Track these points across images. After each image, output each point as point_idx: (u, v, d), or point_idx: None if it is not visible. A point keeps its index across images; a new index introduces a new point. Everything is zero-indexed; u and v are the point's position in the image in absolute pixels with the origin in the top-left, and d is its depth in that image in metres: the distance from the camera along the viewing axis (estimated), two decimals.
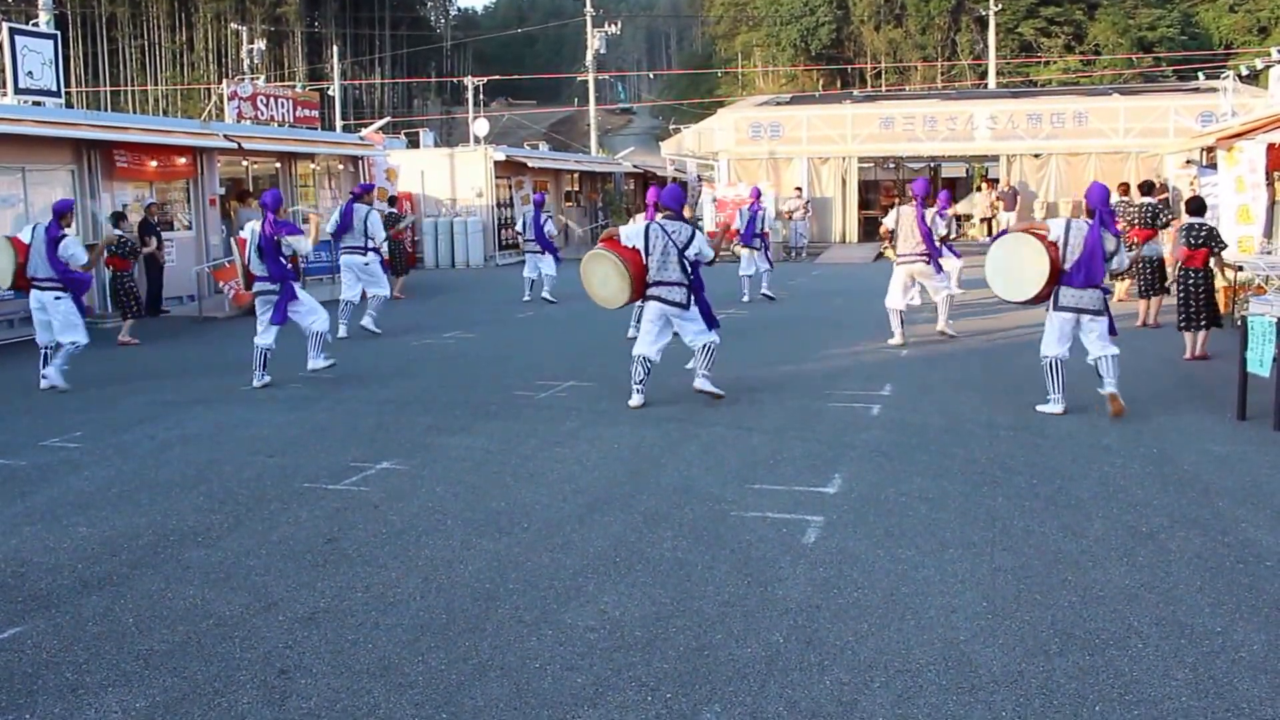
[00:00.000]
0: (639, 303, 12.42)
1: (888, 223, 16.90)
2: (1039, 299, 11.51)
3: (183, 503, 8.53)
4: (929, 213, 16.39)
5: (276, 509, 8.32)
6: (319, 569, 6.94)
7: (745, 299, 22.81)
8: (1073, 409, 11.42)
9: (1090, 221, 11.28)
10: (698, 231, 12.10)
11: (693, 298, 11.97)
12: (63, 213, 14.22)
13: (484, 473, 9.29)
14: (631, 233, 12.09)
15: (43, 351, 14.12)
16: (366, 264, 18.84)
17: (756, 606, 6.18)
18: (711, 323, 12.14)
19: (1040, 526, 7.54)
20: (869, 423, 11.04)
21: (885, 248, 20.18)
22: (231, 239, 14.56)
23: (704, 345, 12.08)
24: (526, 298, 23.86)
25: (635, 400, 12.09)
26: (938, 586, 6.43)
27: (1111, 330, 11.45)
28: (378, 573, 6.85)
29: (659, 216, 12.33)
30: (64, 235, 14.18)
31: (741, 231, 22.87)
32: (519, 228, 25.25)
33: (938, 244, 16.84)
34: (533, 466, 9.46)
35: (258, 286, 13.75)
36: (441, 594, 6.47)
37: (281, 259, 13.56)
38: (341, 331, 18.43)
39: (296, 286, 13.91)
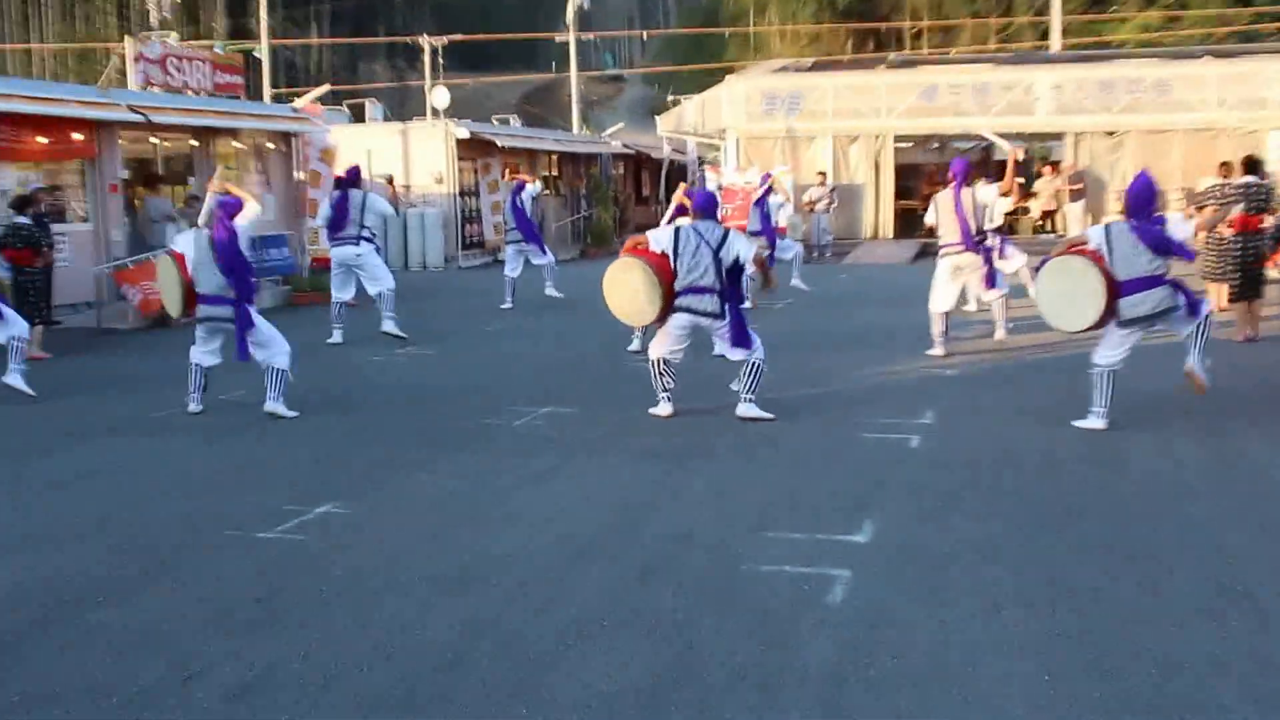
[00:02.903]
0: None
1: (929, 219, 17.00)
2: (1102, 322, 11.92)
3: (84, 554, 8.57)
4: (968, 192, 16.39)
5: (197, 561, 8.35)
6: (248, 634, 6.98)
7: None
8: (1151, 436, 11.52)
9: (1133, 222, 11.76)
10: (733, 231, 12.75)
11: (727, 306, 12.52)
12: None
13: (447, 517, 9.34)
14: (660, 236, 12.78)
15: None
16: (359, 255, 19.65)
17: (773, 676, 6.24)
18: (744, 339, 12.60)
19: (1111, 582, 7.59)
20: (907, 457, 11.12)
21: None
22: (165, 253, 14.42)
23: (750, 363, 12.64)
24: (508, 304, 24.07)
25: (664, 410, 12.85)
26: (989, 653, 6.49)
27: (1192, 309, 11.88)
28: (319, 638, 6.89)
29: (691, 220, 12.99)
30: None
31: (761, 228, 23.01)
32: (503, 218, 25.39)
33: (988, 231, 16.96)
34: (505, 509, 9.52)
35: (203, 311, 13.49)
36: (396, 663, 6.52)
37: (245, 261, 13.40)
38: (336, 337, 19.41)
39: (253, 311, 13.56)
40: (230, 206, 13.38)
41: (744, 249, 12.61)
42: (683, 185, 18.93)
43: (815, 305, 23.68)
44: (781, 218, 25.48)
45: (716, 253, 12.42)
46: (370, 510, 9.57)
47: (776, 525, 8.96)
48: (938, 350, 16.58)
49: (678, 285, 12.55)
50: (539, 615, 7.18)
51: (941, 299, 16.61)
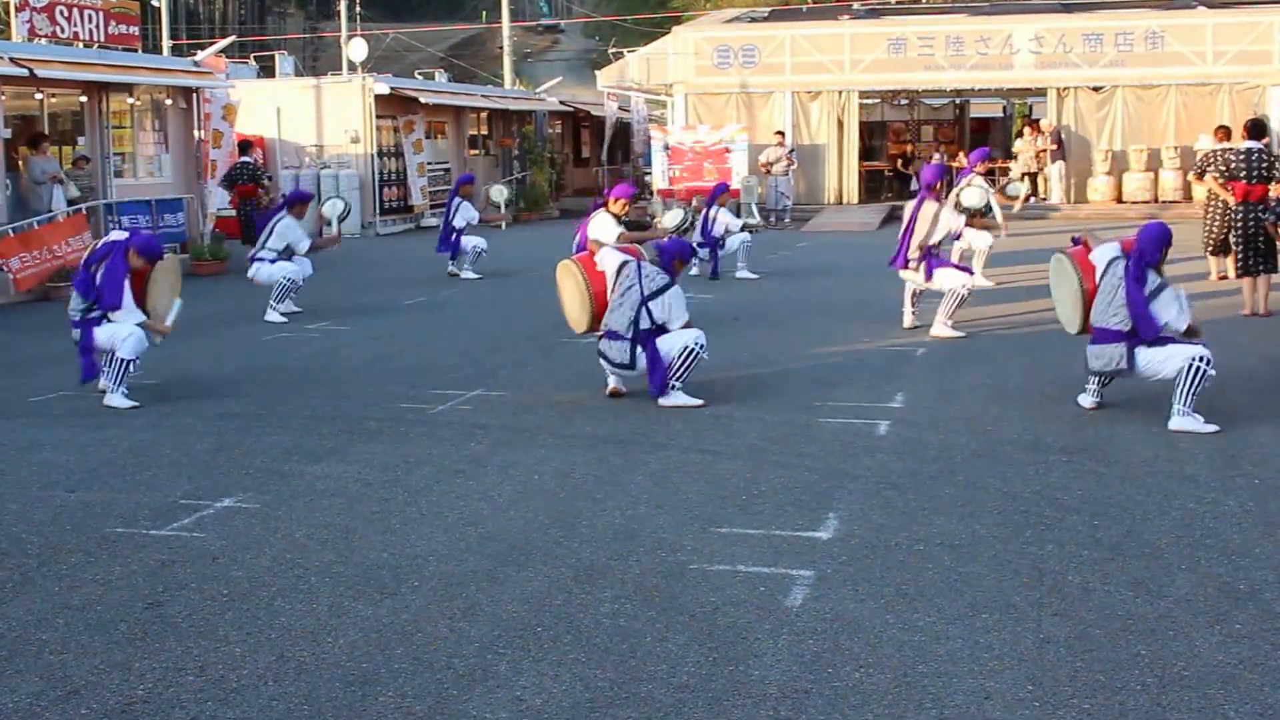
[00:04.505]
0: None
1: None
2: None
3: None
4: (930, 206, 16.22)
5: (79, 562, 8.22)
6: (136, 644, 6.86)
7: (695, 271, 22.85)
8: (1145, 420, 11.52)
9: (1129, 264, 11.44)
10: (675, 288, 12.58)
11: (638, 350, 12.40)
12: None
13: (360, 513, 9.24)
14: (608, 261, 12.87)
15: None
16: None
17: (725, 692, 6.16)
18: (661, 388, 12.48)
19: (1103, 583, 7.56)
20: (874, 444, 11.08)
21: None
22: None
23: (684, 349, 12.44)
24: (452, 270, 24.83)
25: (611, 383, 12.98)
26: (967, 664, 6.43)
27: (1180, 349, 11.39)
28: (216, 648, 6.78)
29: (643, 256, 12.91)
30: None
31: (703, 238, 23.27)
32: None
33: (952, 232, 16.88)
34: (426, 504, 9.43)
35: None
36: (303, 676, 6.41)
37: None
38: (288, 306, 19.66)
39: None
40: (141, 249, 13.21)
41: (679, 310, 12.51)
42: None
43: (772, 277, 23.70)
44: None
45: (645, 301, 12.36)
46: (275, 505, 9.44)
47: (729, 521, 8.89)
48: (906, 321, 16.77)
49: (603, 321, 12.71)
50: (461, 623, 7.08)
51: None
